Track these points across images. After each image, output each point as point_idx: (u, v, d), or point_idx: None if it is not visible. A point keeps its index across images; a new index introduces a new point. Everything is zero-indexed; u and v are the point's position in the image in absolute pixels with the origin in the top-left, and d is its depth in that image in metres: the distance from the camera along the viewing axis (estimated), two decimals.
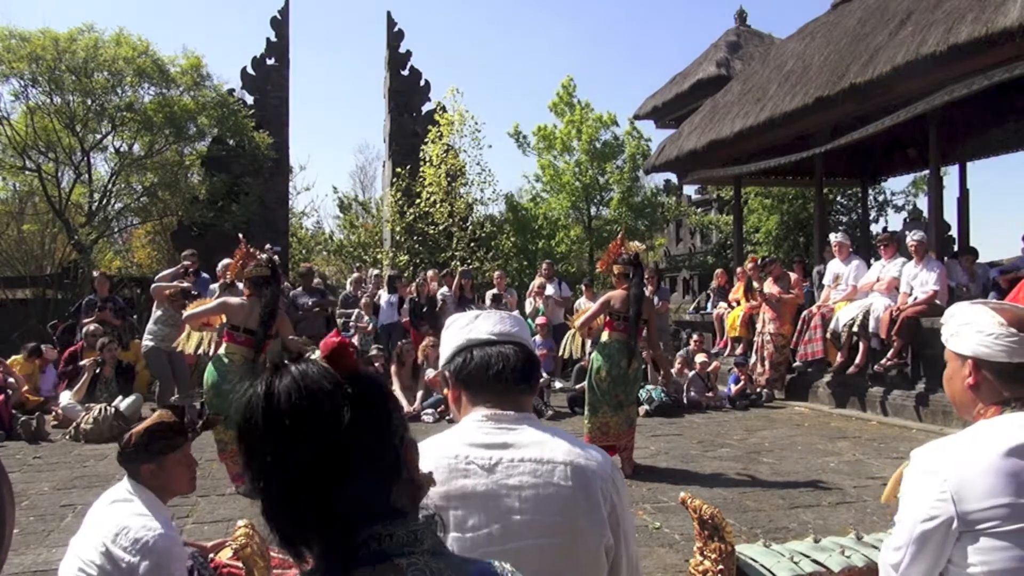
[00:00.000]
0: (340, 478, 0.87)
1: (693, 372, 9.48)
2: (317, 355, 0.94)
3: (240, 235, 6.05)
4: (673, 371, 9.28)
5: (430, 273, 11.88)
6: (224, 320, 5.51)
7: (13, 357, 8.97)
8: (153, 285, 8.71)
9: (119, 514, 2.40)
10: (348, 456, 0.88)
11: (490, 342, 1.56)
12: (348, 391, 0.91)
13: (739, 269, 11.27)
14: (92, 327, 9.16)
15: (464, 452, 1.47)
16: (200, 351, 6.26)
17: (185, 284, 8.54)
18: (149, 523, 2.36)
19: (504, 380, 1.53)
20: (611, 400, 5.77)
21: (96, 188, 15.94)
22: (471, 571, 0.92)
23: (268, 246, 6.77)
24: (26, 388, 8.61)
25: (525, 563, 0.99)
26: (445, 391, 1.64)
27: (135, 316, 11.09)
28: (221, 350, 5.35)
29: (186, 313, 5.81)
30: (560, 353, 8.14)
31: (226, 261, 8.26)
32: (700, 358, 9.68)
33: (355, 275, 12.69)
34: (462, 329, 1.60)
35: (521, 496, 1.43)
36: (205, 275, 9.63)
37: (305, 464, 0.87)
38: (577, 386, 9.32)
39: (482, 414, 1.52)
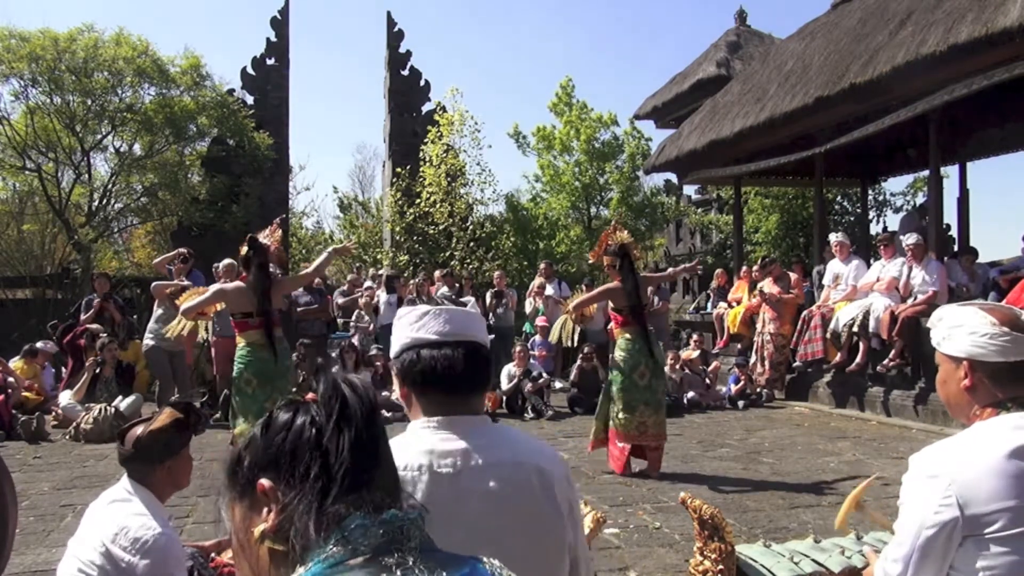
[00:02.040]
0: (372, 467, 0.91)
1: (698, 366, 9.51)
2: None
3: (276, 221, 5.88)
4: (668, 368, 9.29)
5: (436, 273, 11.86)
6: (220, 308, 5.39)
7: (12, 360, 8.98)
8: (153, 284, 8.74)
9: (118, 514, 2.40)
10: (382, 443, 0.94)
11: (436, 343, 1.49)
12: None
13: (743, 268, 11.24)
14: (94, 327, 9.20)
15: (426, 461, 1.43)
16: (200, 338, 6.15)
17: (186, 283, 8.57)
18: (148, 522, 2.36)
19: (451, 385, 1.49)
20: (651, 397, 5.66)
21: (96, 188, 15.94)
22: (461, 570, 0.90)
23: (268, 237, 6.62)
24: (28, 389, 8.63)
25: None
26: (394, 386, 1.60)
27: (135, 316, 11.09)
28: (242, 341, 5.14)
29: (183, 306, 5.64)
30: (549, 338, 8.12)
31: (227, 261, 8.29)
32: (695, 353, 9.71)
33: (351, 277, 12.71)
34: (410, 325, 1.53)
35: (487, 501, 1.42)
36: (199, 273, 9.65)
37: (371, 449, 0.92)
38: (569, 383, 9.35)
39: (436, 419, 1.48)
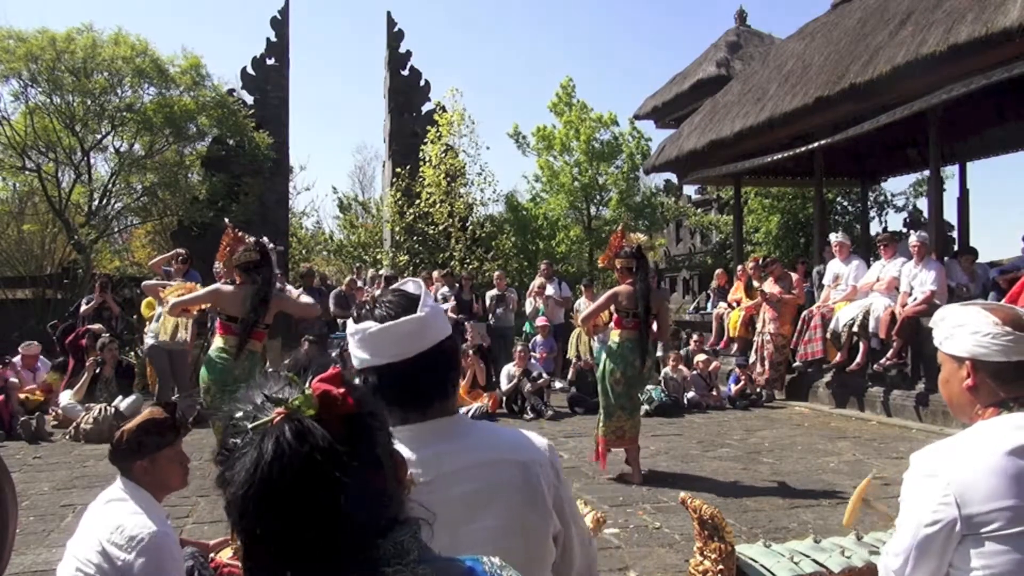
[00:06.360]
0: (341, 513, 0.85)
1: (694, 372, 9.49)
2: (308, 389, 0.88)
3: (226, 220, 5.57)
4: (669, 368, 9.29)
5: (436, 273, 11.86)
6: (207, 308, 5.26)
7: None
8: (144, 283, 8.67)
9: (115, 513, 2.40)
10: (346, 497, 0.85)
11: (373, 368, 1.41)
12: (344, 449, 0.86)
13: (739, 268, 11.26)
14: (95, 326, 9.21)
15: None
16: (178, 337, 6.11)
17: (171, 283, 8.54)
18: (144, 521, 2.37)
19: (399, 405, 1.40)
20: (626, 403, 5.62)
21: (96, 188, 15.91)
22: (459, 573, 0.92)
23: (268, 242, 6.61)
24: (33, 390, 8.70)
25: None
26: None
27: (134, 316, 11.08)
28: (217, 343, 4.94)
29: (173, 300, 5.36)
30: (568, 354, 8.10)
31: None
32: (700, 357, 9.69)
33: (349, 278, 12.72)
34: (353, 348, 1.44)
35: (465, 504, 1.37)
36: (196, 273, 9.62)
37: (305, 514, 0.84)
38: (566, 382, 9.31)
39: (402, 429, 1.39)
